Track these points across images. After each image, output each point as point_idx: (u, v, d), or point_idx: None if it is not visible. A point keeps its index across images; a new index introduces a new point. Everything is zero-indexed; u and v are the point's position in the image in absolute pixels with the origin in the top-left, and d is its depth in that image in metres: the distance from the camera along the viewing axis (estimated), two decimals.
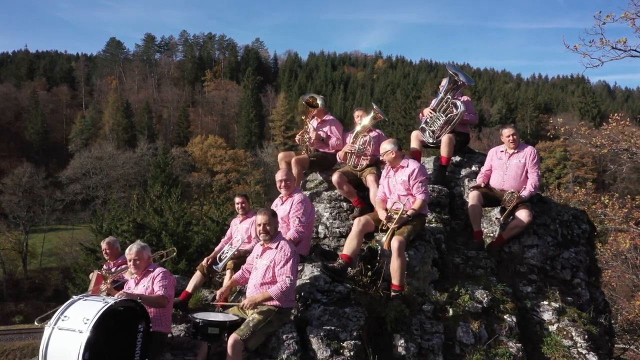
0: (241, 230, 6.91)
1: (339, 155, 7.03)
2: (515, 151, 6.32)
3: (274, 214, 4.87)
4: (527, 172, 6.21)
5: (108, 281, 5.86)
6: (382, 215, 5.56)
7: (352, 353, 4.55)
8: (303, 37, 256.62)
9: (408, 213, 5.43)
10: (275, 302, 4.57)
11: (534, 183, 6.15)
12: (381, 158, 5.91)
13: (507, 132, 6.36)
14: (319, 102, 7.05)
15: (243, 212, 6.99)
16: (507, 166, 6.32)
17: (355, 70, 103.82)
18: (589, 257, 6.57)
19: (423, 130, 7.48)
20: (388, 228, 5.39)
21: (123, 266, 6.21)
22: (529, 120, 72.99)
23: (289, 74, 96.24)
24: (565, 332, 5.45)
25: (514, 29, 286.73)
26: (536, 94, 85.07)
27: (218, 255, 6.26)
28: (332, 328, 4.71)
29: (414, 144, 7.54)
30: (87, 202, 55.24)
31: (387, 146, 5.72)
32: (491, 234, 6.55)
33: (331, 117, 7.29)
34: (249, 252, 5.47)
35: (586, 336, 5.37)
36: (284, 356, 4.44)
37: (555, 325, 5.55)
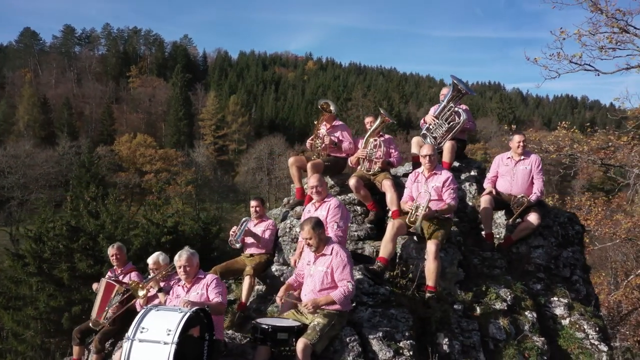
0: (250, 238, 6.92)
1: (351, 160, 7.18)
2: (522, 158, 6.78)
3: (318, 225, 4.87)
4: (532, 178, 6.69)
5: (142, 292, 5.67)
6: (409, 206, 5.81)
7: (410, 353, 4.73)
8: (233, 35, 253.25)
9: (436, 209, 5.69)
10: (337, 306, 4.65)
11: (540, 188, 6.63)
12: (421, 160, 6.10)
13: (517, 138, 6.80)
14: (332, 108, 7.17)
15: (257, 215, 6.98)
16: (514, 172, 6.77)
17: (286, 70, 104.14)
18: (582, 255, 7.19)
19: (425, 136, 7.79)
20: (416, 218, 5.59)
21: (153, 274, 6.01)
22: None
23: (219, 73, 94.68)
24: (577, 326, 5.96)
25: (437, 36, 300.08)
26: None
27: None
28: (388, 329, 4.87)
29: (414, 149, 7.82)
30: (2, 204, 51.32)
31: (428, 151, 5.94)
32: (497, 235, 6.98)
33: (341, 123, 7.43)
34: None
35: (597, 328, 5.91)
36: (350, 358, 4.54)
37: (568, 320, 6.05)
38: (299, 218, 6.92)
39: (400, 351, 4.72)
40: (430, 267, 5.51)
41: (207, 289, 4.79)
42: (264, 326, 4.44)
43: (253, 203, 7.03)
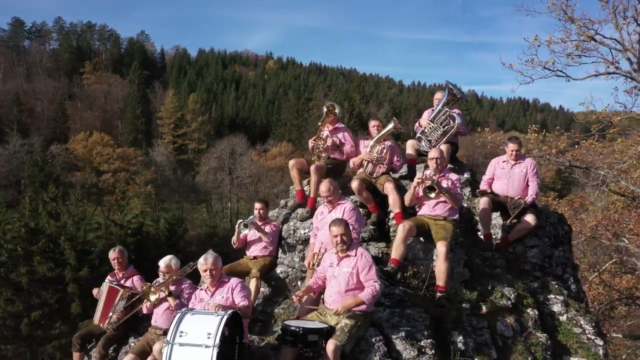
0: (255, 234, 6.93)
1: (354, 162, 7.28)
2: (518, 162, 7.06)
3: (347, 224, 5.01)
4: (528, 180, 6.98)
5: (155, 296, 5.60)
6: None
7: (432, 352, 4.88)
8: (191, 32, 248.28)
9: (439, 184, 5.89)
10: (363, 307, 4.74)
11: (535, 190, 6.93)
12: (429, 163, 6.25)
13: (512, 146, 7.06)
14: (337, 110, 7.25)
15: (260, 218, 6.98)
16: (510, 175, 7.03)
17: (246, 69, 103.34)
18: (571, 254, 7.55)
19: (419, 139, 7.98)
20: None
21: (164, 278, 5.90)
22: (412, 125, 78.35)
23: (178, 70, 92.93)
24: (575, 321, 6.28)
25: (396, 38, 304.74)
26: (417, 100, 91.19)
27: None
28: (408, 329, 5.00)
29: (409, 150, 8.01)
30: None
31: (436, 154, 6.11)
32: (494, 236, 7.23)
33: (343, 125, 7.51)
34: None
35: (593, 323, 6.24)
36: (376, 358, 4.64)
37: (565, 316, 6.36)
38: (302, 220, 6.98)
39: (423, 350, 4.86)
40: (441, 267, 5.68)
41: (232, 293, 4.79)
42: (293, 328, 4.47)
43: (257, 205, 7.03)
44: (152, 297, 5.79)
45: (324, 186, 5.88)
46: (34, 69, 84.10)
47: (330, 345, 4.41)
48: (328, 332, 4.56)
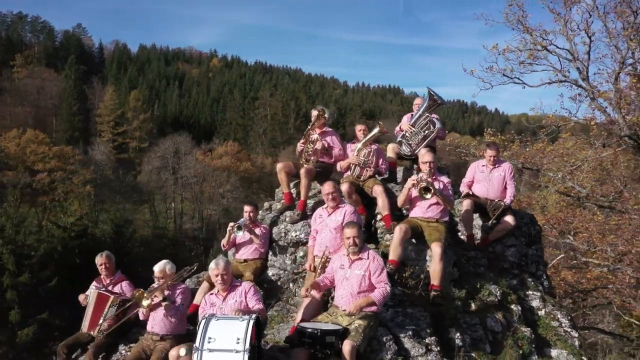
0: (245, 237, 6.92)
1: (341, 165, 7.41)
2: (496, 166, 7.44)
3: (360, 227, 5.14)
4: (506, 183, 7.37)
5: (147, 301, 5.48)
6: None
7: (438, 348, 5.11)
8: (131, 27, 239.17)
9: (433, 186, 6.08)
10: (374, 308, 4.88)
11: (513, 193, 7.34)
12: (422, 167, 6.45)
13: (490, 152, 7.43)
14: (327, 115, 7.37)
15: (251, 221, 6.98)
16: (490, 178, 7.40)
17: (190, 67, 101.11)
18: (542, 252, 8.03)
19: (400, 143, 8.23)
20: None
21: (158, 283, 5.77)
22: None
23: (118, 66, 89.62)
24: (552, 316, 6.71)
25: (340, 38, 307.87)
26: (362, 101, 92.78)
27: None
28: (413, 327, 5.20)
29: (390, 154, 8.26)
30: None
31: (429, 158, 6.33)
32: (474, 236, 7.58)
33: (331, 129, 7.64)
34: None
35: (569, 317, 6.69)
36: (388, 357, 4.80)
37: (543, 311, 6.79)
38: (293, 223, 7.04)
39: (429, 347, 5.07)
40: (436, 267, 5.92)
41: (245, 297, 4.80)
42: (310, 330, 4.55)
43: (247, 208, 7.03)
44: (145, 303, 5.66)
45: (330, 185, 6.00)
46: None
47: (347, 346, 4.53)
48: (343, 333, 4.68)
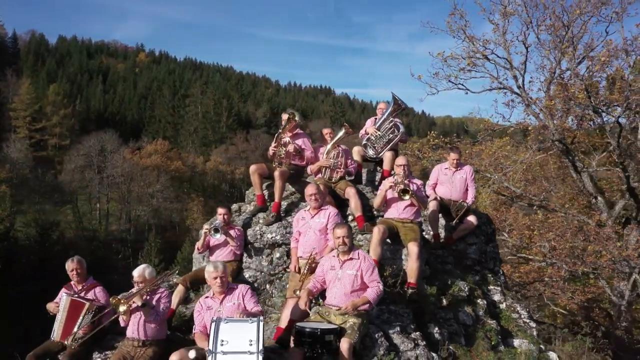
0: (220, 239, 6.89)
1: (312, 168, 7.54)
2: (458, 168, 7.87)
3: (350, 228, 5.30)
4: (467, 185, 7.82)
5: (124, 307, 5.32)
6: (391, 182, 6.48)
7: (424, 343, 5.37)
8: (49, 17, 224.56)
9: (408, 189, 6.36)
10: (367, 306, 5.06)
11: (474, 194, 7.80)
12: (396, 170, 6.69)
13: (453, 156, 7.84)
14: (297, 118, 7.45)
15: (225, 223, 6.94)
16: (452, 181, 7.81)
17: (115, 61, 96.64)
18: (497, 250, 8.58)
19: (366, 146, 8.49)
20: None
21: (137, 287, 5.61)
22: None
23: (34, 58, 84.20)
24: (512, 308, 7.21)
25: (272, 38, 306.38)
26: (294, 101, 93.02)
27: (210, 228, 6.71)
28: (400, 324, 5.43)
29: (355, 157, 8.47)
30: None
31: (403, 161, 6.60)
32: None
33: (302, 132, 7.74)
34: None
35: (527, 309, 7.23)
36: (381, 352, 5.00)
37: (504, 304, 7.28)
38: (268, 225, 7.09)
39: (416, 342, 5.33)
40: (413, 266, 6.20)
41: (243, 299, 4.82)
42: (309, 330, 4.65)
43: (221, 210, 6.98)
44: (121, 309, 5.50)
45: (313, 187, 6.12)
46: None
47: (345, 344, 4.68)
48: (339, 332, 4.82)
